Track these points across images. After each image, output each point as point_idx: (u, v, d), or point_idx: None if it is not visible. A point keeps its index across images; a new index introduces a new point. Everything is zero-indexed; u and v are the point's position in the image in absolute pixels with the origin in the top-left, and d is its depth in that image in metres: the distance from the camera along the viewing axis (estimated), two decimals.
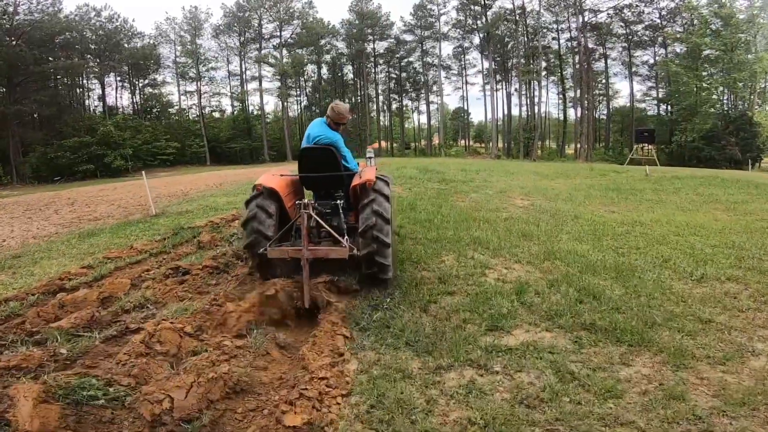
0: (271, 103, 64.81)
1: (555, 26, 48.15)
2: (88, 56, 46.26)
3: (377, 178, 4.23)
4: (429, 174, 14.32)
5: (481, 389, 2.80)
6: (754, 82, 36.89)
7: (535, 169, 20.48)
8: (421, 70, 55.87)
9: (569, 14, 45.72)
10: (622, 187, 12.64)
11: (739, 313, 3.86)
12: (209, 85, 53.63)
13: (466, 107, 60.54)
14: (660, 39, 43.70)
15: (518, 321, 3.73)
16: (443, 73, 54.83)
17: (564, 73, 49.78)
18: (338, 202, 4.39)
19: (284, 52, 52.07)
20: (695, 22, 38.65)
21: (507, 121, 52.81)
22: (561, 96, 51.12)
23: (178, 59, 51.31)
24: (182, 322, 3.41)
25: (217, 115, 55.09)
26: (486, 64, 51.48)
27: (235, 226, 7.45)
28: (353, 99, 55.26)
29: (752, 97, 37.80)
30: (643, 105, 48.62)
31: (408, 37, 54.12)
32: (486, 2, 47.95)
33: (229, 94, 54.57)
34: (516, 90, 52.46)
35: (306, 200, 3.95)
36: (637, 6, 43.65)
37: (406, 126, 64.12)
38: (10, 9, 36.06)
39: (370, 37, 53.84)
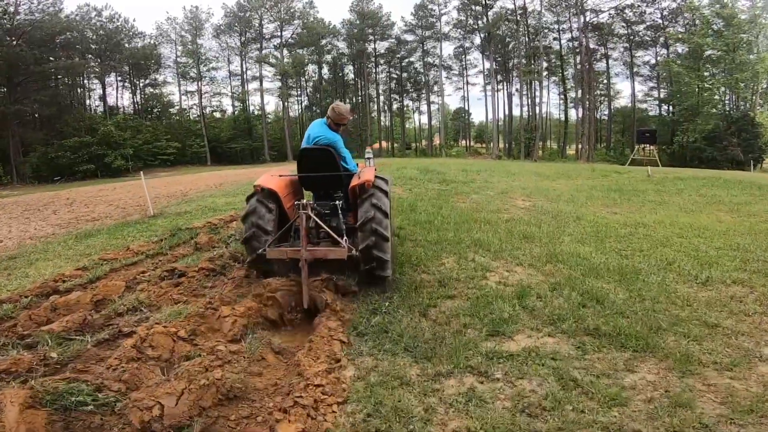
0: (271, 103, 65.08)
1: (556, 26, 48.07)
2: (89, 56, 46.25)
3: (376, 177, 4.22)
4: (429, 174, 14.25)
5: (482, 397, 2.73)
6: (756, 83, 36.71)
7: (537, 169, 20.35)
8: (421, 71, 55.85)
9: (570, 14, 45.62)
10: (624, 188, 12.54)
11: (745, 317, 3.79)
12: (210, 85, 53.71)
13: (467, 107, 60.82)
14: (662, 39, 43.61)
15: (520, 326, 3.66)
16: (444, 74, 54.88)
17: (565, 73, 49.70)
18: (337, 202, 4.37)
19: (285, 52, 52.07)
20: (697, 22, 38.51)
21: (508, 121, 52.73)
22: (562, 96, 51.12)
23: (178, 59, 51.41)
24: (176, 325, 3.35)
25: (217, 115, 55.15)
26: (487, 65, 51.50)
27: (233, 227, 7.40)
28: (354, 99, 55.24)
29: (754, 97, 37.66)
30: (644, 105, 48.65)
31: (409, 37, 54.12)
32: (487, 2, 47.85)
33: (229, 94, 54.68)
34: (517, 90, 52.40)
35: (305, 201, 3.92)
36: (638, 6, 43.54)
37: (406, 126, 64.12)
38: (11, 9, 36.03)
39: (371, 37, 53.78)
